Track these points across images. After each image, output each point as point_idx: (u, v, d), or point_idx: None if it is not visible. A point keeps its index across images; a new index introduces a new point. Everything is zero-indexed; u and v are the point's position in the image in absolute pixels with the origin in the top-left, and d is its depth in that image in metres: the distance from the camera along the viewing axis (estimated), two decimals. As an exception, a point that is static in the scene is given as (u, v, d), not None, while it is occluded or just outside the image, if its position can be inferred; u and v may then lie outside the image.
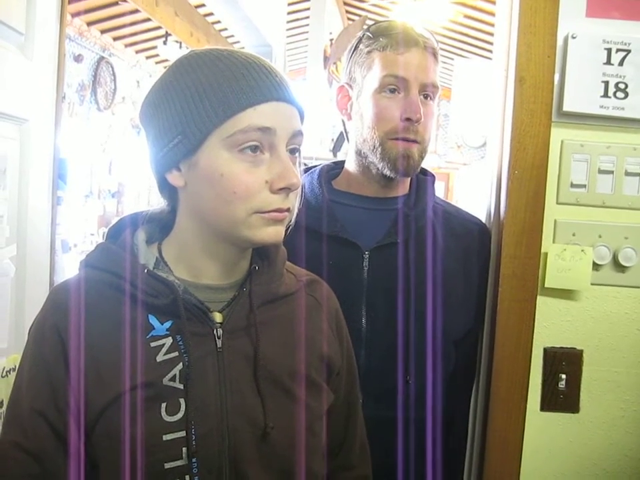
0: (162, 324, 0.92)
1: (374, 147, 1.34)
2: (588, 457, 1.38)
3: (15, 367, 1.22)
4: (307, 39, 7.17)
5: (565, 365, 1.37)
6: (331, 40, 7.09)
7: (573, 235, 1.36)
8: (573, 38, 1.32)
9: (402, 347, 1.32)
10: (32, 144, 1.40)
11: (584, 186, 1.36)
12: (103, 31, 6.89)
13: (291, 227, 0.99)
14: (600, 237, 1.36)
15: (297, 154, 0.96)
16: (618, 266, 1.36)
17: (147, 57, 8.03)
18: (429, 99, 1.35)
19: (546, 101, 1.33)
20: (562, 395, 1.37)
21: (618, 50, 1.33)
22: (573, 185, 1.36)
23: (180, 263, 0.98)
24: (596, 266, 1.36)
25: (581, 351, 1.37)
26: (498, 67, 1.46)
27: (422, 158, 1.36)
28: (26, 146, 1.38)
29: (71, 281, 0.97)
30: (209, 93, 0.89)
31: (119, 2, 4.98)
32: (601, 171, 1.36)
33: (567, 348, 1.37)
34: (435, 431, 1.36)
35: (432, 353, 1.33)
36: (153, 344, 0.91)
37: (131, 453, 0.87)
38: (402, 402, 1.31)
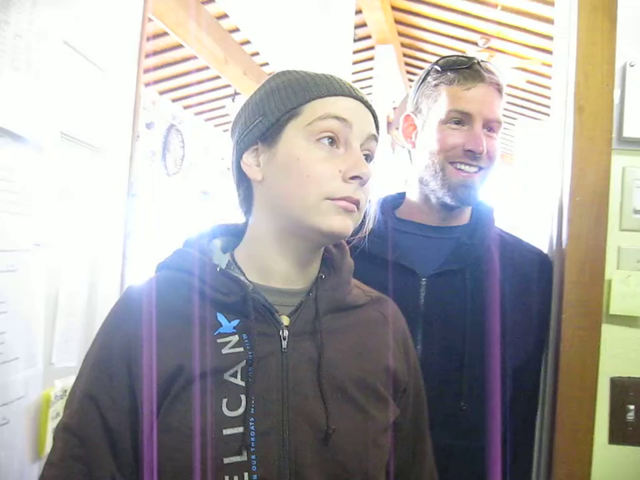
0: (229, 322, 0.94)
1: (435, 172, 1.37)
2: (661, 494, 1.32)
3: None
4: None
5: (633, 395, 1.32)
6: (394, 108, 7.30)
7: (638, 261, 1.34)
8: (631, 66, 1.34)
9: (457, 373, 1.31)
10: (106, 175, 1.47)
11: (647, 212, 1.35)
12: (173, 100, 7.23)
13: (361, 241, 1.02)
14: (666, 263, 1.34)
15: (370, 162, 0.99)
16: (686, 294, 1.33)
17: (215, 125, 8.36)
18: (492, 131, 1.39)
19: (605, 128, 1.34)
20: (631, 427, 1.32)
21: (678, 78, 1.34)
22: (635, 211, 1.35)
23: (251, 266, 1.01)
24: (662, 293, 1.33)
25: (650, 382, 1.33)
26: (557, 99, 1.48)
27: (483, 184, 1.38)
28: (100, 176, 1.45)
29: (144, 282, 1.00)
30: (293, 84, 0.98)
31: (191, 58, 5.15)
32: (664, 197, 1.35)
33: (635, 378, 1.33)
34: (494, 461, 1.32)
35: (488, 380, 1.31)
36: (219, 340, 0.93)
37: (190, 446, 0.87)
38: (457, 429, 1.29)
